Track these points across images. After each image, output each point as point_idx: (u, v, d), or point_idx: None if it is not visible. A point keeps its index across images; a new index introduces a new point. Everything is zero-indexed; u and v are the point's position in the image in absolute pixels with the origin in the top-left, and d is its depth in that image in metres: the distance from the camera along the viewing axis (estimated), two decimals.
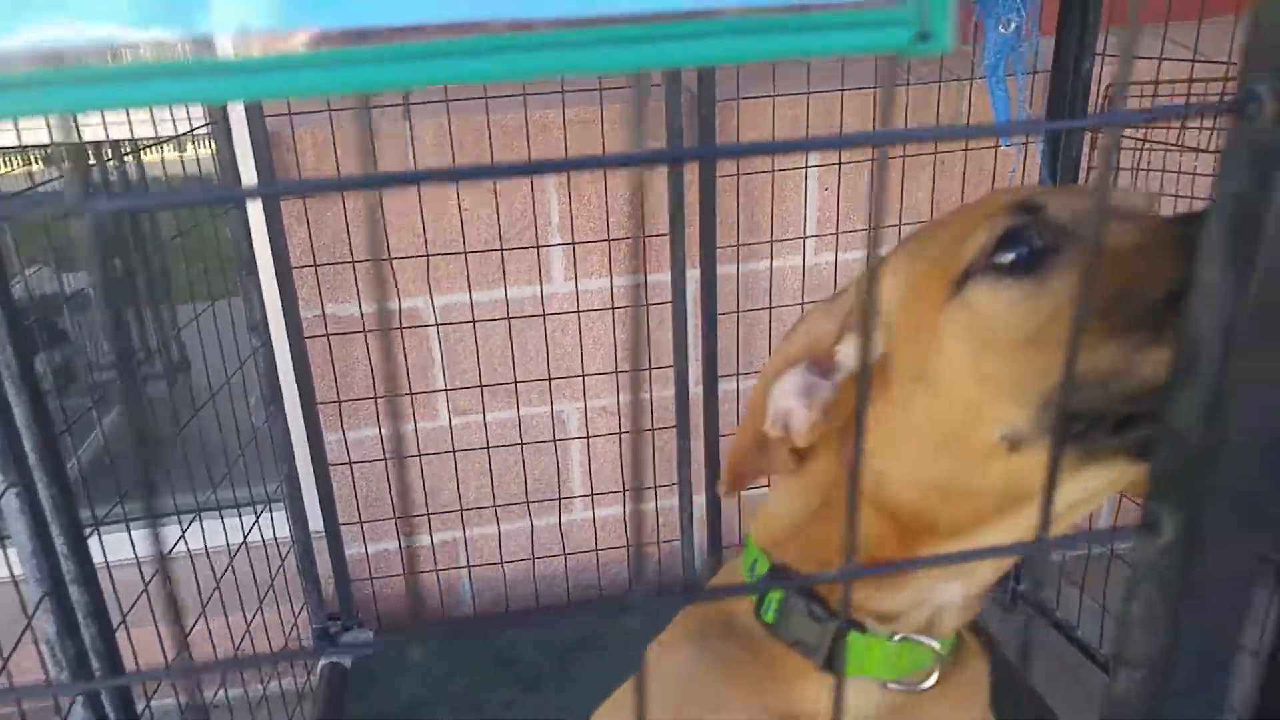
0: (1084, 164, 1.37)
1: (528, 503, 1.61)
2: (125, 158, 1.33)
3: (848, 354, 0.53)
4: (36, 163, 1.68)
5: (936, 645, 0.55)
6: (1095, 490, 0.47)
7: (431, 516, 1.57)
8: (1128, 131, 1.32)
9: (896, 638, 0.54)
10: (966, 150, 1.49)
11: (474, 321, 1.46)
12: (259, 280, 1.36)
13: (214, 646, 1.32)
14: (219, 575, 1.24)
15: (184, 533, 1.14)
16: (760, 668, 0.55)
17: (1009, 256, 0.46)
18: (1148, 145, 1.33)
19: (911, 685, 0.56)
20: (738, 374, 1.58)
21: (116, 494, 1.09)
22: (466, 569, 1.65)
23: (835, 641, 0.53)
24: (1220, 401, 0.26)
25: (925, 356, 0.48)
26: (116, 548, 1.10)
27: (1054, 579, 1.58)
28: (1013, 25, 1.13)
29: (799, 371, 0.54)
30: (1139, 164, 1.35)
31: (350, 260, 1.42)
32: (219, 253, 1.44)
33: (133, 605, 0.98)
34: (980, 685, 0.61)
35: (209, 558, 1.29)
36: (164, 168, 1.90)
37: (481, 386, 1.51)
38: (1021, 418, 0.45)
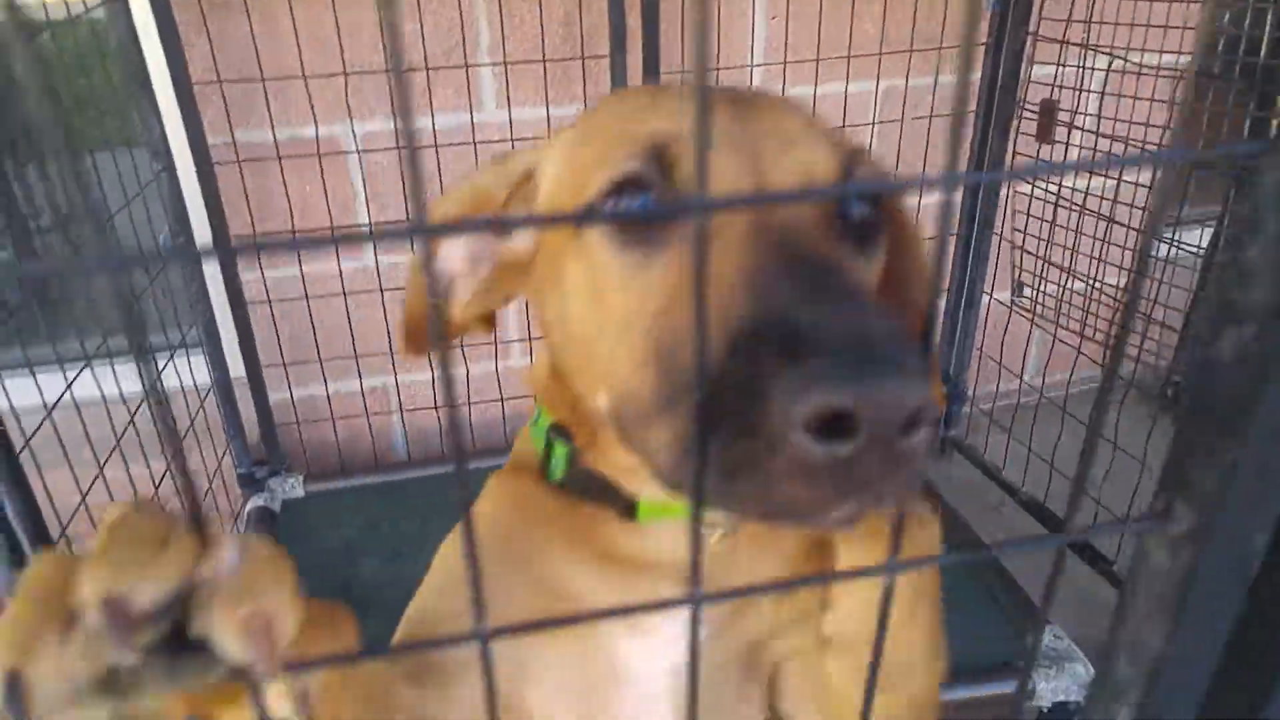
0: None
1: (462, 347, 1.56)
2: None
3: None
4: None
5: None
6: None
7: (360, 359, 1.52)
8: None
9: None
10: None
11: (399, 148, 1.37)
12: (154, 96, 1.23)
13: (135, 492, 1.27)
14: (108, 426, 1.17)
15: (70, 381, 1.06)
16: (578, 518, 0.50)
17: (623, 205, 0.39)
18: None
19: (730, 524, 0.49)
20: None
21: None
22: (399, 414, 1.61)
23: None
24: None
25: (560, 269, 0.42)
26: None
27: (983, 426, 1.63)
28: None
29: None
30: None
31: (260, 79, 1.29)
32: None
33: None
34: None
35: (125, 403, 1.22)
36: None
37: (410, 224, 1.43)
38: (604, 403, 0.40)
